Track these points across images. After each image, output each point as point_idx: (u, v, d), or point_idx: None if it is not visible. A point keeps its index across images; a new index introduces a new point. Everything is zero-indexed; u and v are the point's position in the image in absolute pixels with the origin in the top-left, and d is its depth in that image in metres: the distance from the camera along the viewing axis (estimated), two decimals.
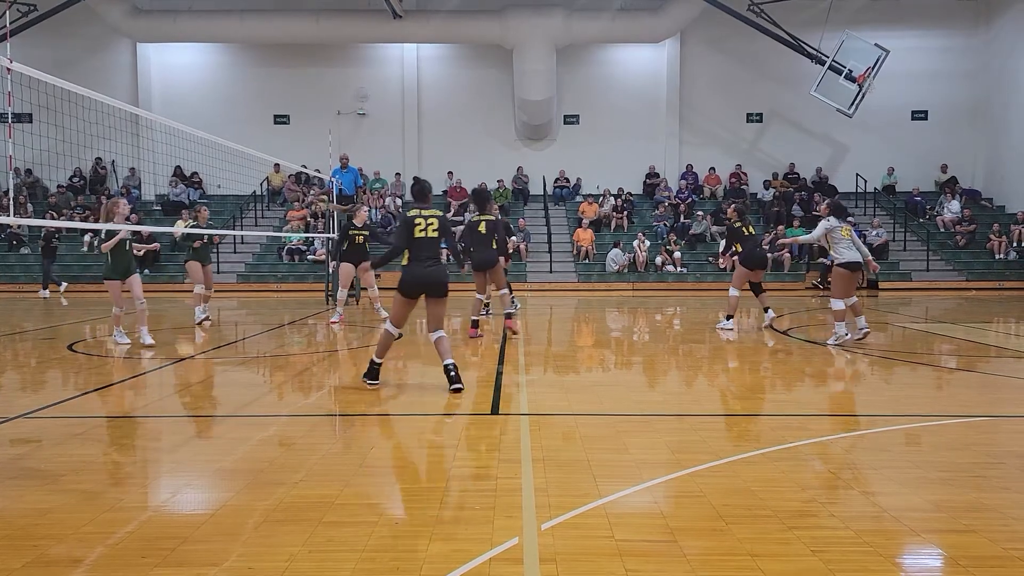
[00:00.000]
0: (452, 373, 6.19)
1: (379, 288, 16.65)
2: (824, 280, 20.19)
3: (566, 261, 21.86)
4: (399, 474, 4.12)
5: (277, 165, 22.94)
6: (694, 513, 3.51)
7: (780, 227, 21.31)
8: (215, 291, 12.25)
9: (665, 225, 22.59)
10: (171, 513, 3.60)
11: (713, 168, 24.66)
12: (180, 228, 17.65)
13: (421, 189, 6.44)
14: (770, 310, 10.89)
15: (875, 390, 6.87)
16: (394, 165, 24.61)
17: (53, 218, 21.36)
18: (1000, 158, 23.75)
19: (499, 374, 7.21)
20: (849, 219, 9.97)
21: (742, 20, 21.81)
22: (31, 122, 11.31)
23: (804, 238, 9.87)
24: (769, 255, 13.30)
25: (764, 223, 22.13)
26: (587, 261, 21.69)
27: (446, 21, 22.87)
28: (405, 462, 4.34)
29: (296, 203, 23.24)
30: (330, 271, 15.82)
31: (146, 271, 20.71)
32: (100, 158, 24.15)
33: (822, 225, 9.14)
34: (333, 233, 15.38)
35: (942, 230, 22.61)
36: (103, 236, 8.86)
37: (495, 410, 5.64)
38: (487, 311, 12.42)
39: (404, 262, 6.21)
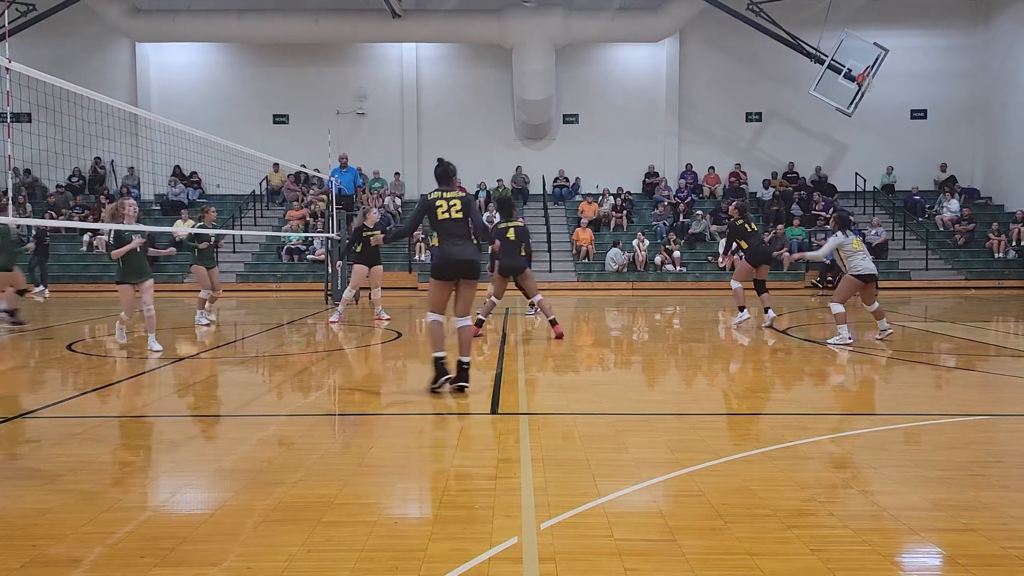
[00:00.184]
0: (466, 371, 6.06)
1: (381, 288, 16.68)
2: (824, 279, 20.21)
3: (565, 260, 21.86)
4: (398, 474, 4.12)
5: (276, 165, 22.95)
6: (693, 512, 3.51)
7: (779, 226, 21.32)
8: (221, 291, 12.09)
9: (664, 224, 22.59)
10: (170, 513, 3.60)
11: (712, 167, 24.67)
12: (180, 228, 17.63)
13: (445, 171, 6.27)
14: (770, 310, 10.92)
15: (874, 389, 6.87)
16: (393, 165, 24.60)
17: (52, 218, 21.34)
18: (999, 157, 23.76)
19: (498, 373, 7.20)
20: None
21: (741, 19, 21.81)
22: (30, 122, 11.30)
23: (812, 254, 9.72)
24: (774, 253, 13.37)
25: (763, 222, 22.13)
26: (586, 260, 21.69)
27: (445, 20, 22.86)
28: (404, 462, 4.34)
29: (295, 203, 23.23)
30: (333, 270, 15.81)
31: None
32: (99, 158, 24.14)
33: (832, 242, 9.14)
34: (333, 233, 15.38)
35: (941, 229, 22.61)
36: (111, 241, 8.54)
37: (494, 409, 5.64)
38: (534, 311, 12.33)
39: (434, 243, 6.18)
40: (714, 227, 22.57)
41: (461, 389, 6.08)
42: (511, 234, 9.76)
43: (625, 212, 23.28)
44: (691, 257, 21.80)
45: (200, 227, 11.39)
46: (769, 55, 23.29)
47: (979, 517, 3.43)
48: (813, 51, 21.71)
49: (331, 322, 11.79)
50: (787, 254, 11.15)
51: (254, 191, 23.56)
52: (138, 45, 24.33)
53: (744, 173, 24.43)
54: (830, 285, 20.00)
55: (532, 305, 12.60)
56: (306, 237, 21.45)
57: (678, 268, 21.22)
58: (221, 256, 21.16)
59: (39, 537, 3.23)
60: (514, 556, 3.03)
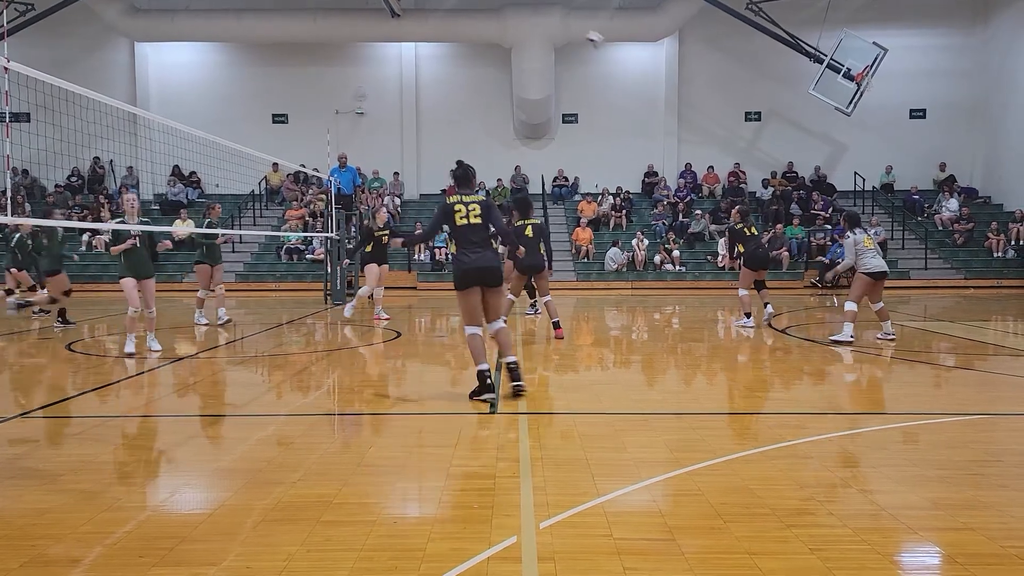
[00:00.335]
0: (516, 370, 5.81)
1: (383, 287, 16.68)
2: (822, 279, 20.21)
3: (565, 260, 21.85)
4: (397, 473, 4.12)
5: (275, 164, 22.92)
6: (692, 511, 3.51)
7: (779, 226, 21.31)
8: (224, 290, 11.97)
9: (664, 224, 22.59)
10: (169, 513, 3.60)
11: (712, 167, 24.66)
12: (180, 227, 17.57)
13: (464, 173, 6.04)
14: (769, 306, 11.06)
15: (873, 388, 6.88)
16: (392, 164, 24.59)
17: (51, 217, 21.31)
18: (998, 156, 23.76)
19: (498, 373, 7.20)
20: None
21: (740, 19, 21.80)
22: (29, 121, 11.29)
23: (842, 265, 9.61)
24: (773, 252, 13.47)
25: (763, 222, 22.13)
26: (586, 260, 21.69)
27: (444, 20, 22.85)
28: (403, 461, 4.34)
29: (294, 202, 23.22)
30: (333, 270, 15.80)
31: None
32: (98, 157, 24.11)
33: (849, 243, 9.21)
34: (332, 232, 15.36)
35: (940, 228, 22.62)
36: (109, 239, 8.45)
37: (493, 409, 5.64)
38: (535, 310, 12.48)
39: (452, 251, 5.87)
40: (713, 227, 22.56)
41: (520, 392, 5.81)
42: (529, 231, 9.75)
43: (624, 212, 23.27)
44: (690, 257, 21.80)
45: (208, 224, 11.31)
46: (768, 55, 23.28)
47: (978, 516, 3.43)
48: (812, 50, 21.71)
49: (376, 318, 11.95)
50: (786, 253, 11.15)
51: (253, 191, 23.54)
52: (137, 45, 24.31)
53: (743, 173, 24.43)
54: (829, 285, 20.02)
55: (533, 305, 12.64)
56: (305, 237, 21.44)
57: (677, 268, 21.22)
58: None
59: (38, 537, 3.23)
60: (513, 555, 3.03)
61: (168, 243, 12.01)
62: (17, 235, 13.48)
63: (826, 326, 11.84)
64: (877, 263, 9.10)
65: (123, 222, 8.41)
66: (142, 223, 8.67)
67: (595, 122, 24.61)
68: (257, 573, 2.89)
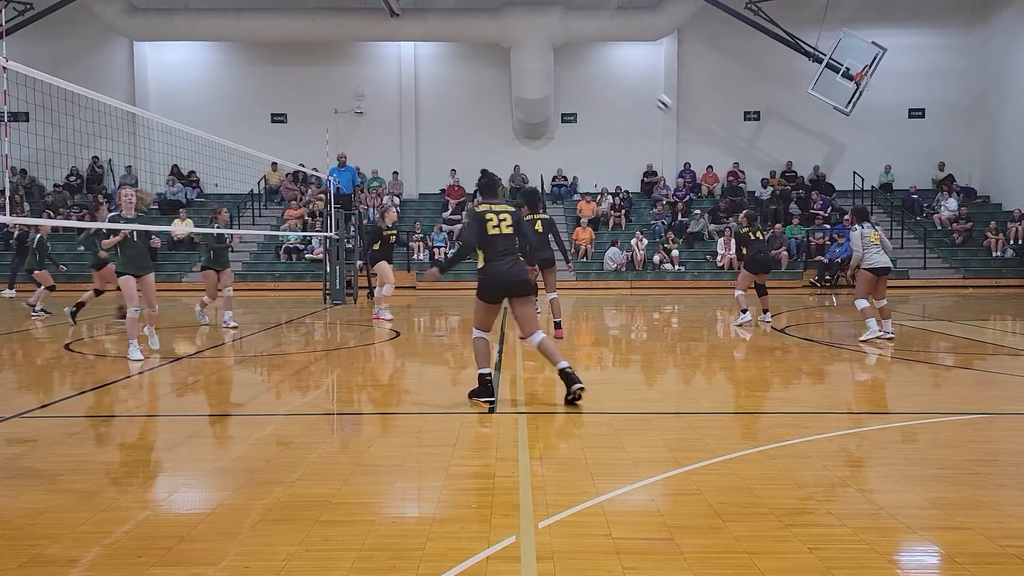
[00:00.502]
0: (572, 374, 5.53)
1: (374, 287, 16.66)
2: (822, 278, 20.23)
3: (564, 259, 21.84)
4: (396, 473, 4.12)
5: (274, 164, 22.91)
6: (691, 511, 3.51)
7: (777, 225, 21.32)
8: (232, 292, 11.87)
9: (663, 223, 22.59)
10: (168, 512, 3.60)
11: (711, 166, 24.67)
12: (179, 227, 17.53)
13: (490, 183, 5.91)
14: (768, 313, 11.14)
15: (872, 388, 6.88)
16: (391, 164, 24.58)
17: (50, 217, 21.31)
18: (997, 156, 23.78)
19: (497, 372, 7.20)
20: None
21: (739, 18, 21.81)
22: (27, 121, 11.29)
23: (854, 259, 9.61)
24: (772, 252, 13.66)
25: (761, 222, 22.13)
26: (585, 259, 21.69)
27: (443, 19, 22.85)
28: (402, 461, 4.34)
29: (293, 202, 23.22)
30: (332, 270, 15.79)
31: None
32: (97, 157, 24.10)
33: (855, 236, 9.26)
34: (331, 232, 15.36)
35: (939, 228, 22.63)
36: (103, 232, 8.19)
37: (492, 408, 5.63)
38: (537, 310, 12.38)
39: (480, 264, 5.64)
40: (712, 226, 22.57)
41: (577, 397, 5.57)
42: (538, 226, 9.73)
43: (623, 211, 23.28)
44: (689, 256, 21.81)
45: (216, 228, 11.12)
46: (767, 54, 23.29)
47: (976, 515, 3.43)
48: (811, 50, 21.71)
49: (380, 318, 11.90)
50: (785, 253, 11.26)
51: (252, 190, 23.54)
52: (136, 44, 24.29)
53: (742, 172, 24.44)
54: (828, 284, 20.03)
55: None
56: (304, 236, 21.43)
57: (676, 267, 21.23)
58: None
59: (37, 537, 3.23)
60: (512, 555, 3.03)
61: (156, 240, 11.87)
62: (37, 236, 13.61)
63: (825, 326, 11.85)
64: (880, 259, 9.17)
65: (119, 216, 8.12)
66: (139, 216, 8.43)
67: (594, 122, 24.61)
68: (256, 573, 2.89)
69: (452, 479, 3.98)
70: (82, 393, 6.46)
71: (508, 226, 5.64)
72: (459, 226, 22.61)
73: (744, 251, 11.09)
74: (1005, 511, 3.50)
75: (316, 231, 20.05)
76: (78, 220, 20.66)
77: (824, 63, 21.16)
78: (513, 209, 5.79)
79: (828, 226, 21.99)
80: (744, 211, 11.61)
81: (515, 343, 9.32)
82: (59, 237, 22.65)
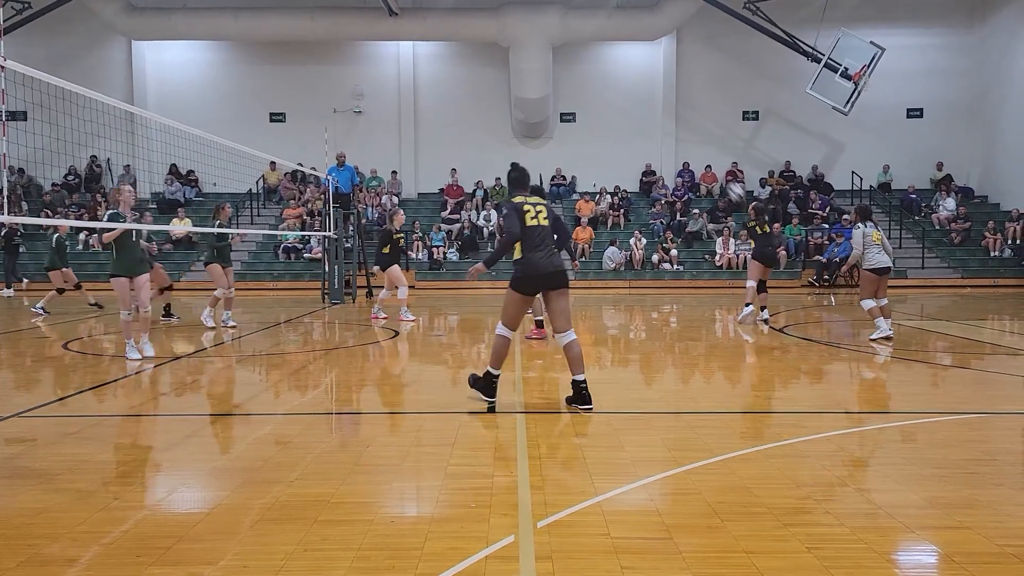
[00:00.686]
0: (584, 392, 5.49)
1: (373, 286, 16.66)
2: (820, 278, 20.25)
3: (563, 259, 21.84)
4: (395, 472, 4.12)
5: (273, 163, 22.90)
6: (690, 510, 3.51)
7: (776, 225, 21.29)
8: (233, 292, 11.88)
9: (662, 223, 22.60)
10: (166, 512, 3.59)
11: (709, 166, 24.68)
12: (178, 227, 17.49)
13: (521, 176, 5.79)
14: (765, 311, 11.26)
15: (870, 387, 6.89)
16: (390, 163, 24.57)
17: (48, 216, 21.30)
18: (995, 156, 23.80)
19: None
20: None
21: (738, 18, 21.82)
22: (25, 120, 11.28)
23: (852, 257, 9.65)
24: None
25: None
26: (583, 259, 21.70)
27: (442, 19, 22.84)
28: (401, 460, 4.34)
29: (292, 201, 23.21)
30: (330, 269, 15.78)
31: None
32: (95, 156, 24.08)
33: (857, 235, 9.29)
34: (330, 231, 15.34)
35: (937, 228, 22.66)
36: (64, 235, 8.17)
37: (491, 408, 5.63)
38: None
39: (516, 255, 5.55)
40: (711, 226, 22.58)
41: (588, 411, 5.48)
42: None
43: (622, 211, 23.29)
44: (688, 256, 21.82)
45: (218, 226, 10.92)
46: (766, 54, 23.30)
47: (974, 515, 3.44)
48: (810, 50, 21.72)
49: (374, 317, 11.99)
50: (784, 252, 11.39)
51: (251, 189, 23.52)
52: (134, 43, 24.26)
53: (741, 172, 24.45)
54: (827, 284, 20.05)
55: None
56: (303, 236, 21.42)
57: (675, 267, 21.24)
58: None
59: (35, 536, 3.22)
60: (511, 555, 3.03)
61: (154, 247, 11.72)
62: (56, 235, 13.66)
63: (823, 325, 11.86)
64: (881, 259, 9.24)
65: (116, 214, 7.99)
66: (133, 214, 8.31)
67: (593, 121, 24.62)
68: (254, 572, 2.89)
69: (451, 479, 3.98)
70: (80, 392, 6.46)
71: (544, 218, 5.60)
72: (458, 225, 22.61)
73: (751, 243, 11.47)
74: (1003, 511, 3.50)
75: (315, 230, 20.04)
76: (76, 219, 20.64)
77: (823, 63, 21.18)
78: (545, 201, 5.75)
79: (827, 226, 22.01)
80: (752, 204, 11.92)
81: (514, 342, 9.32)
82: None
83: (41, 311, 12.95)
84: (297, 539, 3.18)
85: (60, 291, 13.73)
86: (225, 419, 5.58)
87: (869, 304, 9.36)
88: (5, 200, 6.85)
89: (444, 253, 21.69)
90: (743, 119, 24.86)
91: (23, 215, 20.84)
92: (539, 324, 9.72)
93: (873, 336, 9.27)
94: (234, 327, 10.91)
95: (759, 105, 24.68)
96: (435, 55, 24.74)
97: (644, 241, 21.56)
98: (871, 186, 24.11)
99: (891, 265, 9.42)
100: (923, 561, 3.05)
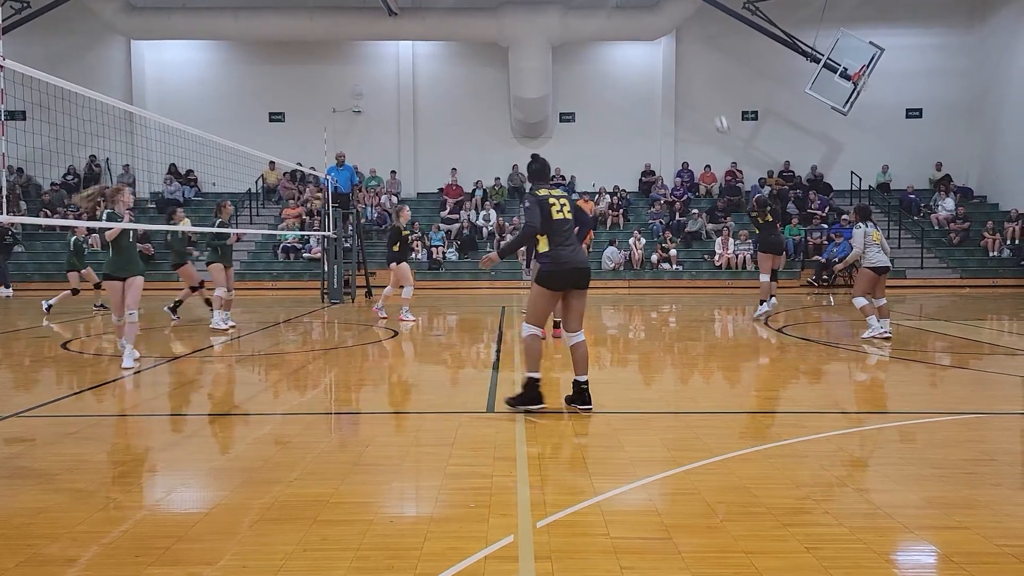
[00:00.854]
0: (586, 392, 5.43)
1: (372, 286, 16.66)
2: (819, 277, 20.25)
3: None
4: (394, 472, 4.12)
5: (272, 163, 22.88)
6: (689, 510, 3.51)
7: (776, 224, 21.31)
8: (234, 293, 11.85)
9: (661, 223, 22.61)
10: (165, 512, 3.59)
11: (708, 166, 24.68)
12: (178, 227, 17.46)
13: (543, 167, 5.64)
14: (774, 298, 11.79)
15: (869, 387, 6.89)
16: (389, 163, 24.57)
17: (47, 216, 21.28)
18: (994, 156, 23.81)
19: (495, 372, 7.20)
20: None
21: (738, 18, 21.82)
22: (24, 120, 11.25)
23: (852, 255, 9.66)
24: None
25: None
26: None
27: (442, 18, 22.83)
28: (400, 460, 4.34)
29: (291, 201, 23.20)
30: (329, 268, 15.77)
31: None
32: (94, 156, 24.05)
33: (859, 234, 9.30)
34: (329, 231, 15.34)
35: (936, 228, 22.67)
36: (83, 236, 7.89)
37: (490, 408, 5.64)
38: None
39: (544, 248, 5.36)
40: (710, 225, 22.59)
41: (587, 411, 5.43)
42: None
43: (621, 211, 23.29)
44: (687, 256, 21.82)
45: (219, 224, 10.71)
46: (765, 54, 23.30)
47: (973, 515, 3.44)
48: (809, 50, 21.73)
49: (376, 310, 12.04)
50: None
51: (250, 189, 23.51)
52: (133, 43, 24.24)
53: (740, 172, 24.45)
54: (825, 284, 20.06)
55: None
56: (302, 235, 21.41)
57: (674, 266, 21.24)
58: None
59: (34, 536, 3.22)
60: (510, 555, 3.03)
61: (149, 247, 11.48)
62: (73, 238, 13.67)
63: (822, 325, 11.87)
64: (881, 258, 9.29)
65: (113, 213, 7.76)
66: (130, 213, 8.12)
67: (592, 121, 24.61)
68: (254, 572, 2.89)
69: (450, 478, 3.98)
70: (79, 392, 6.45)
71: (568, 211, 5.44)
72: (457, 225, 22.60)
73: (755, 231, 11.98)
74: (1002, 511, 3.51)
75: (314, 230, 20.03)
76: (75, 219, 20.61)
77: (822, 63, 21.18)
78: (567, 192, 5.61)
79: (826, 226, 22.01)
80: (755, 195, 12.31)
81: (513, 342, 9.32)
82: (56, 236, 22.65)
83: (47, 309, 13.00)
84: (296, 539, 3.18)
85: (75, 291, 13.72)
86: (224, 419, 5.57)
87: (862, 302, 9.39)
88: (4, 199, 6.84)
89: (443, 253, 21.68)
90: (742, 119, 24.85)
91: (21, 215, 20.81)
92: (556, 324, 9.73)
93: (866, 335, 9.30)
94: (233, 326, 10.89)
95: (758, 105, 24.68)
96: (434, 55, 24.73)
97: (643, 241, 21.57)
98: (870, 186, 24.12)
99: (890, 265, 9.45)
100: (922, 561, 3.06)
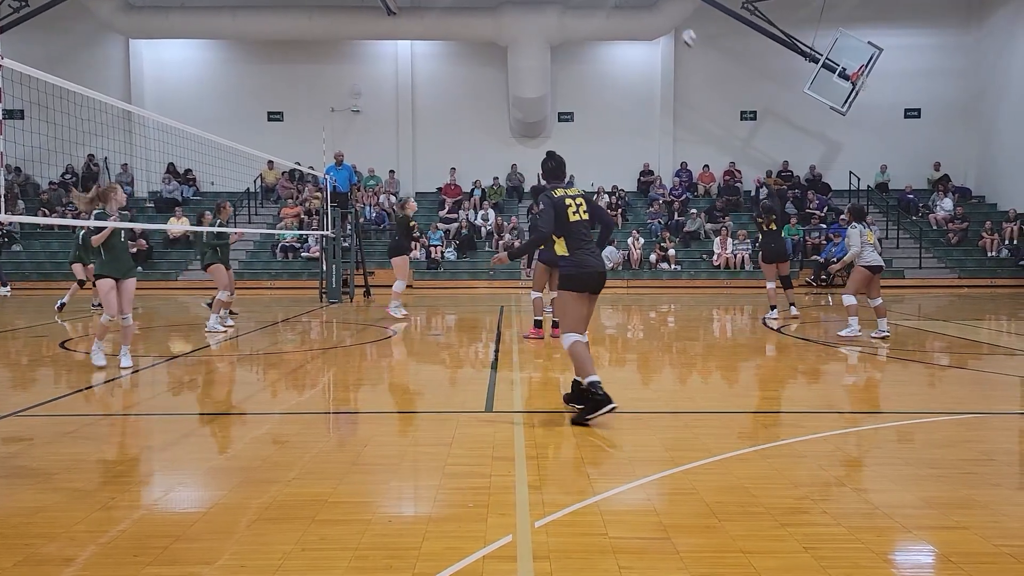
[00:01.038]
0: (582, 391, 5.28)
1: (371, 285, 16.66)
2: (818, 278, 20.27)
3: None
4: (392, 472, 4.12)
5: (271, 162, 22.86)
6: (687, 510, 3.52)
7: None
8: (235, 293, 11.84)
9: (659, 223, 22.61)
10: (164, 511, 3.59)
11: (707, 166, 24.68)
12: (175, 226, 17.46)
13: (558, 166, 5.43)
14: (793, 307, 11.97)
15: (867, 387, 6.89)
16: (388, 162, 24.56)
17: (45, 215, 21.26)
18: (992, 156, 23.83)
19: (493, 371, 7.20)
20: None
21: (736, 18, 21.83)
22: (23, 119, 11.24)
23: (850, 254, 9.65)
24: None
25: (757, 221, 22.15)
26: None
27: (440, 18, 22.82)
28: (399, 460, 4.34)
29: (290, 200, 23.18)
30: (328, 267, 15.76)
31: (139, 268, 20.61)
32: (93, 155, 24.02)
33: (854, 234, 9.32)
34: (328, 230, 15.33)
35: (935, 228, 22.68)
36: (91, 228, 7.52)
37: (489, 407, 5.64)
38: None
39: (563, 252, 5.22)
40: (709, 225, 22.60)
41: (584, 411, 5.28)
42: None
43: (620, 210, 23.29)
44: (686, 255, 21.83)
45: (219, 224, 10.57)
46: (764, 54, 23.31)
47: (971, 515, 3.44)
48: (808, 50, 21.74)
49: (402, 315, 11.84)
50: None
51: (248, 188, 23.49)
52: (131, 41, 24.21)
53: (739, 171, 24.46)
54: (824, 284, 20.07)
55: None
56: (301, 235, 21.40)
57: (673, 266, 21.25)
58: None
59: (32, 536, 3.22)
60: (508, 554, 3.03)
61: (143, 243, 11.18)
62: (83, 231, 13.63)
63: (821, 325, 11.87)
64: (876, 257, 9.35)
65: (102, 213, 7.52)
66: (122, 215, 7.96)
67: (591, 121, 24.61)
68: (252, 572, 2.89)
69: (448, 478, 3.98)
70: (77, 392, 6.45)
71: (584, 211, 5.28)
72: (456, 224, 22.59)
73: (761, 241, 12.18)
74: (1000, 511, 3.51)
75: (312, 229, 20.02)
76: (73, 218, 20.59)
77: (820, 63, 21.19)
78: (583, 192, 5.44)
79: (824, 226, 22.03)
80: (761, 201, 12.55)
81: (512, 342, 9.32)
82: (55, 235, 22.62)
83: (59, 307, 13.03)
84: (295, 539, 3.18)
85: (81, 283, 13.68)
86: (222, 418, 5.57)
87: (851, 300, 9.46)
88: (2, 199, 6.82)
89: (442, 252, 21.68)
90: (741, 119, 24.86)
91: (19, 214, 20.79)
92: (537, 324, 9.73)
93: (843, 332, 9.42)
94: (231, 326, 10.89)
95: (757, 105, 24.69)
96: (433, 54, 24.72)
97: (642, 241, 21.57)
98: (868, 186, 24.13)
99: (883, 264, 9.52)
100: (920, 561, 3.06)
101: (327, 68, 24.57)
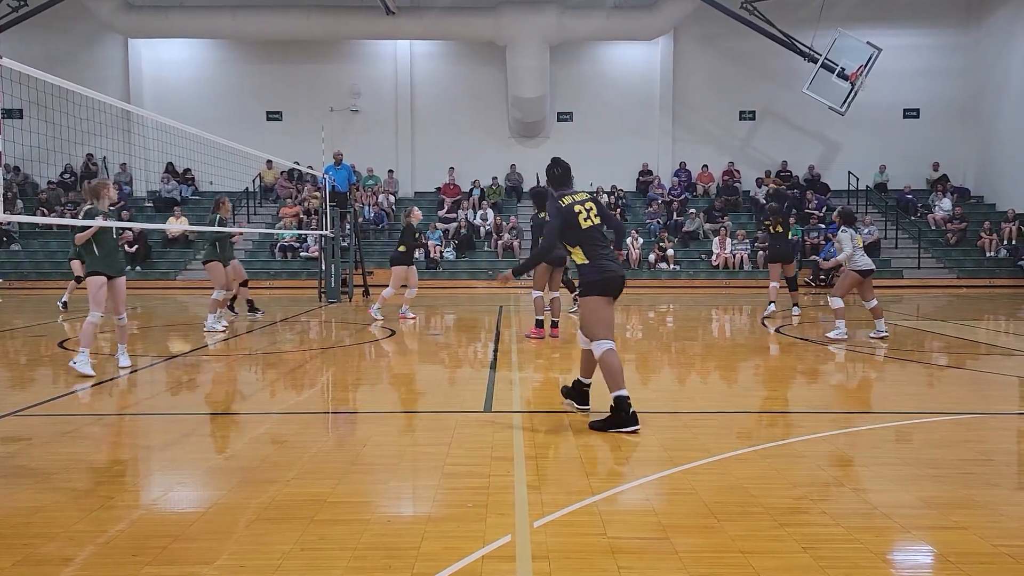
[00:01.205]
0: (586, 392, 5.38)
1: (370, 285, 16.65)
2: (816, 278, 20.28)
3: None
4: (391, 472, 4.12)
5: (269, 162, 22.86)
6: (686, 510, 3.52)
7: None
8: (245, 279, 11.96)
9: (658, 223, 22.61)
10: (162, 511, 3.59)
11: (706, 166, 24.69)
12: (174, 225, 17.43)
13: (565, 172, 5.32)
14: (797, 307, 12.48)
15: (866, 387, 6.90)
16: (387, 162, 24.55)
17: (44, 214, 21.24)
18: (991, 156, 23.85)
19: (492, 371, 7.20)
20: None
21: (735, 18, 21.83)
22: (21, 118, 11.24)
23: (841, 257, 9.64)
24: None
25: (756, 221, 22.18)
26: None
27: (439, 18, 22.82)
28: (398, 460, 4.34)
29: (289, 200, 23.17)
30: (326, 267, 15.75)
31: (137, 268, 20.60)
32: (91, 154, 24.00)
33: (845, 238, 9.33)
34: (327, 230, 15.33)
35: (933, 228, 22.69)
36: (79, 227, 7.26)
37: (488, 407, 5.64)
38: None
39: (582, 260, 5.08)
40: (708, 225, 22.60)
41: (584, 410, 5.42)
42: None
43: (619, 210, 23.27)
44: (685, 255, 21.83)
45: (219, 221, 10.45)
46: (763, 54, 23.32)
47: (970, 515, 3.45)
48: (807, 50, 21.75)
49: (403, 317, 11.78)
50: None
51: (247, 188, 23.48)
52: (131, 41, 24.20)
53: (738, 171, 24.47)
54: (823, 284, 20.08)
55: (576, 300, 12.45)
56: (300, 234, 21.39)
57: (672, 266, 21.25)
58: None
59: (31, 536, 3.22)
60: (507, 554, 3.03)
61: (129, 235, 10.95)
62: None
63: (820, 325, 11.88)
64: (866, 260, 9.38)
65: (93, 209, 7.32)
66: (110, 211, 7.60)
67: (590, 121, 24.61)
68: (251, 572, 2.89)
69: (447, 478, 3.98)
70: (76, 391, 6.44)
71: (595, 215, 5.15)
72: (455, 224, 22.59)
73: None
74: (999, 511, 3.51)
75: (311, 229, 20.01)
76: (71, 218, 20.57)
77: (819, 63, 21.20)
78: (591, 195, 5.32)
79: (823, 226, 22.04)
80: (767, 204, 12.99)
81: (511, 341, 9.32)
82: (53, 235, 22.59)
83: (62, 306, 13.05)
84: (294, 538, 3.18)
85: (79, 280, 13.62)
86: (221, 418, 5.57)
87: (839, 303, 9.48)
88: (1, 198, 6.81)
89: (441, 252, 21.68)
90: (740, 119, 24.87)
91: (18, 213, 20.77)
92: (539, 324, 9.73)
93: (831, 334, 9.42)
94: (230, 324, 10.89)
95: (756, 105, 24.70)
96: (432, 54, 24.72)
97: (641, 240, 21.57)
98: (867, 186, 24.15)
99: (874, 268, 9.53)
100: (919, 561, 3.06)
101: (326, 68, 24.57)
